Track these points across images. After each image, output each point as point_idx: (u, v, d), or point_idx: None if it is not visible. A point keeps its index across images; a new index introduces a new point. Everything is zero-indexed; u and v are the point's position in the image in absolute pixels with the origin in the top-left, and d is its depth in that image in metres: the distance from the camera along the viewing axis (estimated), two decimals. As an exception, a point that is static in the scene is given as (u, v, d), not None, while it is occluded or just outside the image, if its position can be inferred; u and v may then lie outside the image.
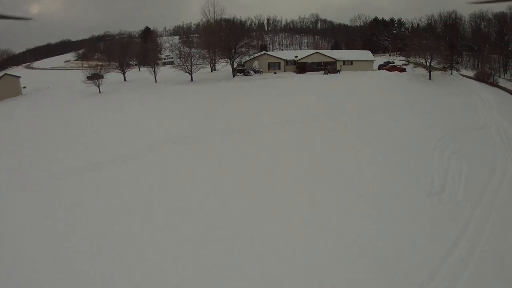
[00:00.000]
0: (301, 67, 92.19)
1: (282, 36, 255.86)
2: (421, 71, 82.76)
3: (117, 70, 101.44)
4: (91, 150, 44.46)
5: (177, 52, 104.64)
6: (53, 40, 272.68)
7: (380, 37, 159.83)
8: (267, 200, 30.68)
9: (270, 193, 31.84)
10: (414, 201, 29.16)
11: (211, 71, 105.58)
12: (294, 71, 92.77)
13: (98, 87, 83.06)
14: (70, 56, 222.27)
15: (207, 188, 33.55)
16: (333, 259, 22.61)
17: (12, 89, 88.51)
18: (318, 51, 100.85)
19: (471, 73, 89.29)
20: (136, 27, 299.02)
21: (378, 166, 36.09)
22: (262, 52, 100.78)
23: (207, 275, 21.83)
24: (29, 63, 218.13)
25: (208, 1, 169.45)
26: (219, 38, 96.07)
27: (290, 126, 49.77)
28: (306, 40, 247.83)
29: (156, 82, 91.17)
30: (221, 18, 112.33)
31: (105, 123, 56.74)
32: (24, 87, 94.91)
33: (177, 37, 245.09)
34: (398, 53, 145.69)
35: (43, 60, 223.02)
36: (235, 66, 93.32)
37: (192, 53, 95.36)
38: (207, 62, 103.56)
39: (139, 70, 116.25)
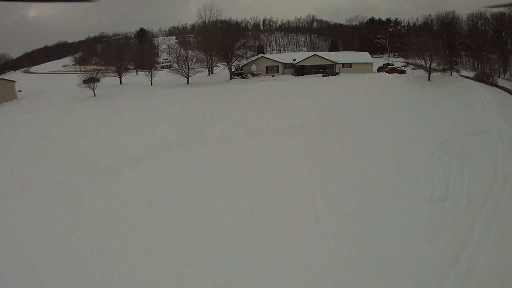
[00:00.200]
0: (300, 70, 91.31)
1: (279, 35, 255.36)
2: (421, 72, 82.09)
3: (114, 75, 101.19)
4: (81, 158, 43.74)
5: (175, 54, 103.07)
6: (50, 42, 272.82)
7: (377, 35, 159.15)
8: (267, 201, 30.77)
9: (269, 194, 31.87)
10: (414, 203, 28.89)
11: (209, 74, 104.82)
12: (292, 74, 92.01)
13: (93, 90, 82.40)
14: (68, 60, 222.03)
15: (206, 189, 33.70)
16: (332, 259, 22.70)
17: (7, 94, 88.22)
18: (316, 53, 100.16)
19: (470, 74, 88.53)
20: (132, 28, 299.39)
21: (376, 169, 35.81)
22: (260, 55, 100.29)
23: (207, 275, 21.94)
24: (27, 68, 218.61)
25: (205, 4, 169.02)
26: (215, 39, 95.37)
27: (288, 130, 49.28)
28: (303, 39, 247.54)
29: (151, 85, 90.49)
30: (217, 20, 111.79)
31: (98, 128, 55.89)
32: (20, 91, 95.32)
33: (174, 37, 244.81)
34: (396, 53, 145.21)
35: (41, 64, 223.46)
36: (233, 70, 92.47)
37: (189, 56, 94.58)
38: (205, 66, 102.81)
39: (137, 74, 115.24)
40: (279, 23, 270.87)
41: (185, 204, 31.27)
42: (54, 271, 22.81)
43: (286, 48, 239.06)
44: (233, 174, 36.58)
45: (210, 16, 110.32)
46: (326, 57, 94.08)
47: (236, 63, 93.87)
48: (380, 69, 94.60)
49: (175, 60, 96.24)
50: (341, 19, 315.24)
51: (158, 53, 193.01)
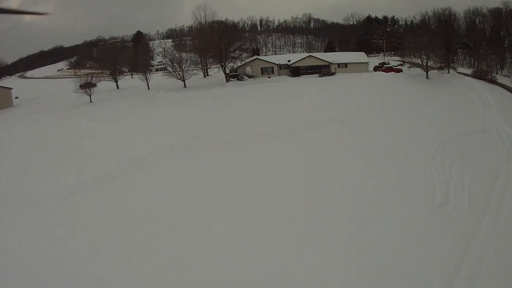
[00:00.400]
0: (295, 71, 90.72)
1: (276, 36, 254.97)
2: (418, 71, 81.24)
3: (109, 79, 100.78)
4: (79, 165, 43.01)
5: (169, 57, 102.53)
6: (46, 47, 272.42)
7: (374, 35, 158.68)
8: (266, 201, 30.78)
9: (268, 195, 31.87)
10: (413, 208, 28.17)
11: (204, 77, 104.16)
12: (288, 75, 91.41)
13: (90, 96, 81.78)
14: (63, 64, 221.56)
15: (206, 190, 33.89)
16: (331, 259, 22.72)
17: (3, 101, 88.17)
18: (311, 54, 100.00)
19: (468, 71, 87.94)
20: (129, 31, 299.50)
21: (375, 171, 35.39)
22: (254, 57, 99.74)
23: (207, 275, 22.07)
24: (22, 73, 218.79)
25: (199, 5, 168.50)
26: (210, 41, 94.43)
27: (286, 132, 48.72)
28: (299, 41, 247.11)
29: (148, 89, 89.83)
30: (213, 21, 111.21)
31: (95, 135, 55.21)
32: (16, 97, 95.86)
33: (170, 40, 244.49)
34: (393, 52, 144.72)
35: (36, 69, 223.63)
36: (227, 72, 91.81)
37: (184, 59, 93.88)
38: (199, 68, 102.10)
39: (132, 77, 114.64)
40: (275, 23, 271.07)
41: (185, 204, 31.54)
42: (54, 275, 22.96)
43: (282, 50, 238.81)
44: (233, 176, 36.61)
45: (205, 17, 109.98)
46: (322, 58, 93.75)
47: (230, 65, 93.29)
48: (376, 68, 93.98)
49: (169, 63, 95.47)
50: (338, 18, 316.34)
51: (153, 56, 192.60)
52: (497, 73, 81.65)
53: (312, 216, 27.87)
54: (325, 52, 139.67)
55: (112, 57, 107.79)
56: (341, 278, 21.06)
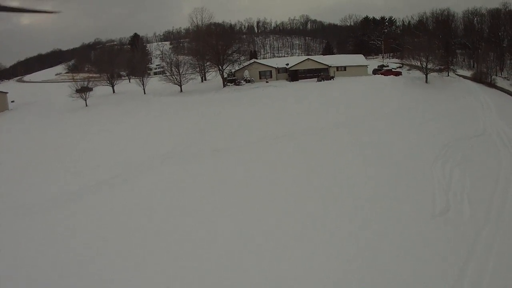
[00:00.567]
0: (293, 75, 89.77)
1: (273, 38, 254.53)
2: (417, 74, 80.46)
3: (106, 83, 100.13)
4: (67, 177, 42.07)
5: (167, 60, 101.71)
6: (44, 50, 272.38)
7: (372, 36, 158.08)
8: (265, 202, 31.32)
9: (267, 196, 32.42)
10: (416, 218, 27.79)
11: (202, 81, 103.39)
12: (286, 79, 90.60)
13: (85, 100, 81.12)
14: (61, 68, 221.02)
15: (206, 191, 34.57)
16: (331, 259, 23.10)
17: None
18: (310, 57, 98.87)
19: (468, 73, 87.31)
20: (127, 33, 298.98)
21: (375, 173, 35.81)
22: (252, 61, 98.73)
23: (207, 275, 22.45)
24: (20, 77, 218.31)
25: (196, 8, 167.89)
26: (208, 44, 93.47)
27: (284, 137, 48.38)
28: (297, 42, 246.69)
29: (144, 93, 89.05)
30: (210, 23, 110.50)
31: (87, 143, 54.17)
32: (12, 101, 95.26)
33: (168, 43, 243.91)
34: (391, 54, 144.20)
35: (34, 73, 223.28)
36: (225, 76, 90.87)
37: (182, 62, 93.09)
38: (197, 71, 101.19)
39: (129, 81, 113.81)
40: (273, 24, 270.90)
41: (184, 205, 32.13)
42: (54, 275, 23.35)
43: (280, 51, 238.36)
44: (231, 178, 37.05)
45: (202, 20, 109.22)
46: (320, 61, 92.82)
47: (228, 69, 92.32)
48: (375, 71, 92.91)
49: (168, 66, 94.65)
50: (335, 19, 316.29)
51: (151, 59, 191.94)
52: (496, 75, 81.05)
53: (311, 216, 28.29)
54: (323, 54, 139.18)
55: (109, 61, 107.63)
56: (340, 278, 21.32)
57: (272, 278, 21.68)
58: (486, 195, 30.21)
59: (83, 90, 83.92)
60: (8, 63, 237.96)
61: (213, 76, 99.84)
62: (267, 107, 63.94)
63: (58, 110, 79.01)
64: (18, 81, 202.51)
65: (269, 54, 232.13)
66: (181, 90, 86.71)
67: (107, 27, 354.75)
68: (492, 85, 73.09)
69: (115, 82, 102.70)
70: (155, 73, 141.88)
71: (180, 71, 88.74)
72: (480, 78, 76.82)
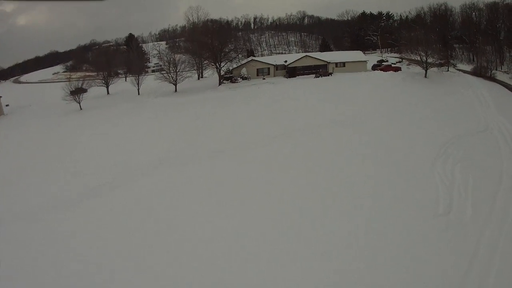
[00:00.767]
0: (291, 72, 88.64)
1: (269, 35, 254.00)
2: (417, 69, 79.11)
3: (101, 84, 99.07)
4: (63, 183, 41.16)
5: (165, 58, 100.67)
6: (42, 52, 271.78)
7: (368, 31, 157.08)
8: (263, 203, 31.24)
9: (265, 197, 32.36)
10: (417, 218, 27.40)
11: (198, 78, 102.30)
12: (284, 76, 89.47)
13: (79, 103, 79.84)
14: (59, 68, 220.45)
15: (204, 191, 34.64)
16: (330, 260, 23.17)
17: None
18: (308, 54, 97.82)
19: (467, 67, 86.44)
20: (122, 34, 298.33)
21: (375, 171, 35.40)
22: (250, 58, 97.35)
23: (206, 275, 22.68)
24: (17, 77, 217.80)
25: (191, 6, 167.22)
26: (204, 42, 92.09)
27: (281, 137, 47.62)
28: (293, 39, 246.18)
29: (139, 94, 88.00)
30: (207, 20, 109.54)
31: (81, 147, 53.18)
32: (7, 105, 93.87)
33: (164, 43, 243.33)
34: (389, 49, 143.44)
35: (31, 73, 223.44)
36: (222, 74, 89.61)
37: (178, 61, 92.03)
38: (194, 69, 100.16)
39: (126, 80, 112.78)
40: (270, 20, 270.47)
41: (182, 205, 32.29)
42: (54, 275, 23.65)
43: (277, 48, 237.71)
44: (229, 179, 36.93)
45: (198, 18, 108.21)
46: (319, 57, 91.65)
47: (225, 67, 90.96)
48: (374, 67, 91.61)
49: (166, 64, 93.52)
50: (332, 14, 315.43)
51: (149, 58, 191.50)
52: (496, 69, 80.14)
53: (310, 216, 28.25)
54: (321, 50, 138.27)
55: (106, 61, 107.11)
56: (340, 279, 21.36)
57: (270, 279, 21.79)
58: (489, 194, 29.54)
59: (77, 92, 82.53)
60: (5, 64, 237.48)
61: (210, 74, 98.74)
62: (263, 106, 63.12)
63: (52, 115, 77.50)
64: (15, 81, 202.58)
65: (266, 51, 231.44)
66: (176, 90, 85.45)
67: (103, 28, 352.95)
68: (492, 79, 72.18)
69: (111, 81, 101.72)
70: (153, 71, 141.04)
71: (178, 70, 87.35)
72: (480, 72, 75.93)
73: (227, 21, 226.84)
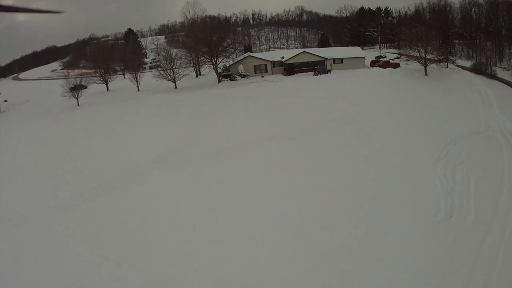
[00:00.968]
0: (289, 69, 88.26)
1: (269, 30, 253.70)
2: (416, 65, 78.28)
3: (100, 81, 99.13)
4: (62, 183, 40.65)
5: (163, 54, 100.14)
6: (39, 47, 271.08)
7: (368, 27, 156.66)
8: (263, 203, 31.03)
9: (265, 197, 32.13)
10: (416, 218, 27.03)
11: (197, 76, 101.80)
12: (282, 73, 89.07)
13: (77, 99, 79.76)
14: (56, 65, 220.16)
15: (203, 192, 34.39)
16: (330, 260, 23.05)
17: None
18: (306, 50, 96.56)
19: (467, 64, 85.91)
20: (122, 28, 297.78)
21: (376, 175, 34.44)
22: (247, 55, 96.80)
23: (207, 275, 22.71)
24: (16, 74, 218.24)
25: (189, 1, 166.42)
26: (202, 38, 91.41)
27: (281, 136, 47.26)
28: (292, 34, 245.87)
29: (138, 91, 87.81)
30: (206, 16, 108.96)
31: (81, 146, 52.87)
32: (5, 101, 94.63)
33: (163, 37, 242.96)
34: (388, 44, 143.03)
35: (30, 70, 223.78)
36: (219, 71, 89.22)
37: (177, 57, 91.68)
38: (191, 65, 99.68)
39: (124, 77, 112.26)
40: (268, 16, 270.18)
41: (185, 204, 32.41)
42: (54, 275, 23.71)
43: (275, 43, 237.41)
44: (229, 180, 36.79)
45: (195, 14, 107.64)
46: (316, 54, 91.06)
47: (222, 64, 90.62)
48: (373, 63, 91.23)
49: (163, 60, 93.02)
50: (331, 10, 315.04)
51: (146, 54, 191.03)
52: (496, 65, 79.69)
53: (309, 217, 28.00)
54: (319, 46, 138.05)
55: (104, 56, 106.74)
56: (340, 280, 21.26)
57: (268, 280, 21.82)
58: (491, 198, 28.93)
59: (76, 88, 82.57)
60: (3, 61, 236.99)
61: (207, 72, 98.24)
62: (263, 105, 62.74)
63: (49, 111, 77.40)
64: (14, 79, 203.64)
65: (265, 45, 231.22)
66: (176, 87, 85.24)
67: (102, 22, 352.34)
68: (492, 76, 71.59)
69: (109, 78, 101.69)
70: (150, 67, 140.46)
71: (174, 66, 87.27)
72: (480, 69, 75.40)
73: (226, 17, 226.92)
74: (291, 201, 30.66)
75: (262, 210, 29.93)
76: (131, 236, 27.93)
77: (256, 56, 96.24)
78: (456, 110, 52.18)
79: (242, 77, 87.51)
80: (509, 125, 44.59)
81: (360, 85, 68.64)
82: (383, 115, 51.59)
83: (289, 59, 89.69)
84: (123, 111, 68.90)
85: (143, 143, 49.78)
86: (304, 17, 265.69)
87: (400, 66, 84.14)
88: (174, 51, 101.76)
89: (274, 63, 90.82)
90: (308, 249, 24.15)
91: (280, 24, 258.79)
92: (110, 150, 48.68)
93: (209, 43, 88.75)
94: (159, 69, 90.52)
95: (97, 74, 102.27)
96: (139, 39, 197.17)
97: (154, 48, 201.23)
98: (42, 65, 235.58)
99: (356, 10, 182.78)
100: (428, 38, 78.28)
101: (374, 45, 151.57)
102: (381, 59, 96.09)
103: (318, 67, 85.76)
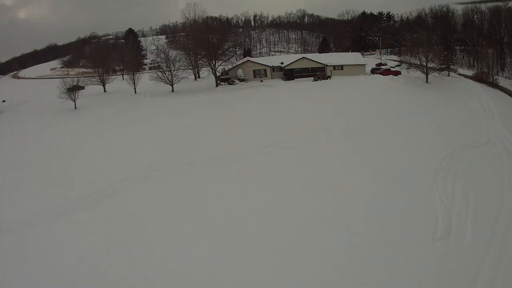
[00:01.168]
0: (289, 74, 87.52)
1: (270, 32, 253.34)
2: (417, 73, 77.14)
3: (97, 82, 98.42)
4: (49, 193, 39.06)
5: (162, 55, 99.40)
6: (40, 45, 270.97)
7: (369, 32, 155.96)
8: (257, 219, 30.33)
9: (261, 210, 31.40)
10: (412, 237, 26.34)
11: (195, 79, 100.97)
12: (282, 78, 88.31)
13: (74, 102, 78.61)
14: (56, 63, 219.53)
15: (205, 193, 35.07)
16: (329, 260, 23.79)
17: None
18: (305, 56, 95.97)
19: (468, 72, 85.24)
20: (123, 27, 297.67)
21: (373, 191, 33.43)
22: (246, 59, 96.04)
23: (207, 274, 23.34)
24: (15, 72, 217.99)
25: (188, 3, 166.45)
26: (201, 39, 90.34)
27: (279, 145, 46.05)
28: (294, 36, 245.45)
29: (135, 93, 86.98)
30: (207, 17, 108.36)
31: (73, 153, 51.42)
32: (4, 101, 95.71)
33: (163, 37, 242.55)
34: (389, 50, 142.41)
35: (29, 68, 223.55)
36: (218, 75, 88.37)
37: (176, 58, 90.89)
38: (190, 68, 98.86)
39: (123, 78, 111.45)
40: (269, 18, 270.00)
41: (183, 204, 33.19)
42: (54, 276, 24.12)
43: (276, 46, 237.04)
44: (229, 180, 37.45)
45: (195, 15, 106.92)
46: (316, 60, 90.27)
47: (221, 67, 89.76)
48: (373, 71, 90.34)
49: (163, 61, 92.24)
50: (332, 13, 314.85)
51: (146, 55, 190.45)
52: (497, 74, 78.95)
53: (301, 238, 27.12)
54: (319, 51, 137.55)
55: (103, 56, 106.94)
56: (342, 279, 21.92)
57: (266, 280, 22.52)
58: (491, 214, 28.13)
59: (74, 89, 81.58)
60: (3, 58, 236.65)
61: (206, 74, 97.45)
62: (262, 111, 61.72)
63: (46, 115, 76.24)
64: (13, 77, 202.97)
65: (266, 48, 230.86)
66: (173, 90, 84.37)
67: (104, 21, 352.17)
68: (494, 85, 70.92)
69: (107, 79, 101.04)
70: (150, 68, 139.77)
71: (173, 68, 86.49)
72: (482, 78, 74.67)
73: (227, 18, 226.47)
74: (283, 219, 29.76)
75: (255, 227, 28.91)
76: (132, 237, 28.41)
77: (255, 61, 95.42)
78: (457, 120, 51.62)
79: (241, 81, 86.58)
80: (510, 137, 43.99)
81: (361, 92, 67.97)
82: (383, 124, 50.81)
83: (288, 64, 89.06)
84: (118, 116, 68.09)
85: (136, 152, 48.50)
86: (306, 19, 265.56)
87: (401, 74, 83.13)
88: (173, 53, 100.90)
89: (273, 68, 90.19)
90: (301, 269, 23.45)
91: (282, 26, 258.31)
92: (101, 159, 47.44)
93: (208, 46, 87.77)
94: (156, 70, 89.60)
95: (96, 74, 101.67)
96: (139, 39, 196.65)
97: (154, 49, 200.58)
98: (42, 63, 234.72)
99: (358, 14, 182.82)
100: (431, 45, 77.48)
101: (375, 50, 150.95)
102: (381, 67, 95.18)
103: (318, 73, 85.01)
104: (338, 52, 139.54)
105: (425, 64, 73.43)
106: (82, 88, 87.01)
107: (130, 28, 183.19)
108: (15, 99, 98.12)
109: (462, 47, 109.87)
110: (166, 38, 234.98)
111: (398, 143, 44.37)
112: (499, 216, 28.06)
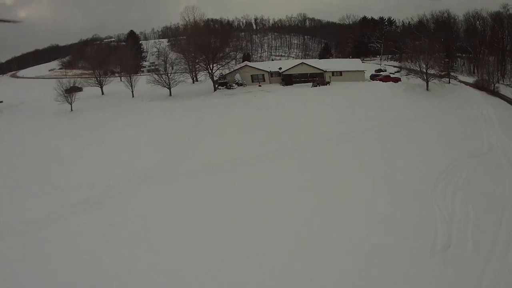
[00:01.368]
0: (288, 79, 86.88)
1: (272, 36, 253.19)
2: (417, 80, 76.03)
3: (94, 84, 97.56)
4: (45, 198, 38.28)
5: (162, 58, 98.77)
6: (42, 45, 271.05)
7: (371, 38, 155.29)
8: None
9: (256, 219, 30.82)
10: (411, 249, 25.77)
11: (193, 82, 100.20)
12: (280, 83, 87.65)
13: (70, 104, 77.57)
14: (55, 64, 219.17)
15: (205, 196, 34.97)
16: (329, 262, 24.03)
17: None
18: (304, 61, 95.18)
19: (469, 79, 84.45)
20: (126, 29, 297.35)
21: (373, 202, 32.44)
22: (244, 64, 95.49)
23: (207, 275, 23.58)
24: (14, 72, 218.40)
25: (187, 6, 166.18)
26: (200, 43, 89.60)
27: (278, 153, 45.17)
28: (295, 41, 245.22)
29: (133, 96, 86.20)
30: (208, 19, 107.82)
31: (73, 156, 50.77)
32: (1, 102, 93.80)
33: (165, 40, 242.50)
34: (390, 56, 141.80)
35: (29, 68, 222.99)
36: (216, 79, 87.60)
37: (175, 61, 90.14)
38: (187, 71, 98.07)
39: (121, 80, 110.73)
40: (271, 21, 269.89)
41: (183, 204, 33.40)
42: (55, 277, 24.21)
43: (277, 50, 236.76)
44: (230, 182, 37.68)
45: (194, 18, 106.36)
46: (315, 65, 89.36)
47: (219, 71, 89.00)
48: (373, 77, 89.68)
49: (162, 63, 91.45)
50: (334, 18, 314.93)
51: (146, 57, 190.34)
52: (498, 82, 78.17)
53: (299, 251, 26.20)
54: (320, 56, 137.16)
55: (102, 58, 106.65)
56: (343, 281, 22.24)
57: (266, 281, 22.80)
58: (491, 226, 27.46)
59: (72, 90, 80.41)
60: (3, 57, 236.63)
61: (204, 78, 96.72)
62: (260, 116, 61.00)
63: (42, 117, 75.27)
64: (12, 76, 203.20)
65: (267, 52, 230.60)
66: (170, 94, 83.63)
67: (107, 23, 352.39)
68: (495, 93, 70.16)
69: (105, 81, 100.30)
70: (149, 71, 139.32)
71: (170, 72, 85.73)
72: (483, 86, 73.89)
73: (228, 21, 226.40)
74: (283, 221, 29.69)
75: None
76: (131, 238, 28.60)
77: (254, 66, 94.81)
78: (457, 129, 50.94)
79: (239, 86, 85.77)
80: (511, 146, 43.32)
81: (361, 99, 67.17)
82: (383, 132, 50.14)
83: (287, 70, 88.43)
84: (114, 121, 67.22)
85: (132, 156, 47.79)
86: (307, 23, 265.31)
87: (401, 80, 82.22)
88: (174, 56, 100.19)
89: (272, 74, 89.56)
90: (300, 269, 23.72)
91: (283, 30, 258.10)
92: (97, 164, 46.49)
93: (207, 50, 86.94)
94: (154, 73, 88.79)
95: (94, 76, 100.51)
96: (141, 41, 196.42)
97: (155, 52, 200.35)
98: (42, 63, 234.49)
99: (359, 19, 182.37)
100: (432, 52, 76.65)
101: (376, 56, 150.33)
102: (381, 73, 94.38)
103: (317, 78, 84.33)
104: (340, 58, 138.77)
105: (425, 71, 72.35)
106: (80, 89, 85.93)
107: (131, 30, 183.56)
108: (12, 100, 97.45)
109: (464, 55, 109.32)
110: (168, 42, 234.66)
111: (398, 152, 43.47)
112: (500, 227, 27.55)
